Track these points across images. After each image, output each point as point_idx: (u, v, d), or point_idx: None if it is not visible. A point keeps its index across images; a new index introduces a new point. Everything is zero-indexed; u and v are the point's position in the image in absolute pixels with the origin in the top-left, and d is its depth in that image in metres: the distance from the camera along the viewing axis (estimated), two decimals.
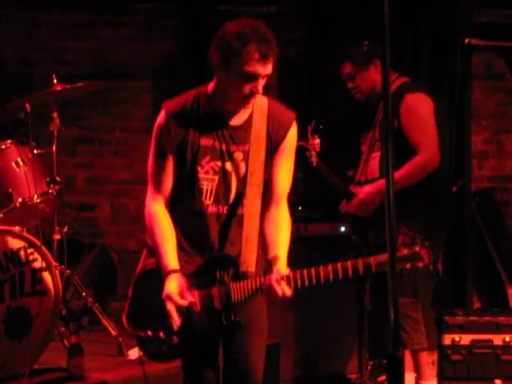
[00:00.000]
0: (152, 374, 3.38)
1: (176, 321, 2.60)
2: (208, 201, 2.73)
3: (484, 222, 5.05)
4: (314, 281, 2.54)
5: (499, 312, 4.55)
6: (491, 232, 5.18)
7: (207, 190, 2.76)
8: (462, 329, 4.13)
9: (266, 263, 2.72)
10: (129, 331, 2.89)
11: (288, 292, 2.52)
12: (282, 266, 2.58)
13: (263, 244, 2.71)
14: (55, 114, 3.89)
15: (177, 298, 2.58)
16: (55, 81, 3.83)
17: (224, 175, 2.72)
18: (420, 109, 3.78)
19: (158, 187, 2.76)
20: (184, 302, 2.61)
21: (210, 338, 2.76)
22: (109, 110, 5.25)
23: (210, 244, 2.70)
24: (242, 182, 2.72)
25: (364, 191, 3.88)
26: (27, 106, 3.86)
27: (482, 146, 5.39)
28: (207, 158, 2.69)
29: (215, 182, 2.76)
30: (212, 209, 2.72)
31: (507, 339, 4.12)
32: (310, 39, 5.32)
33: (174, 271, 2.62)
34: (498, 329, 4.16)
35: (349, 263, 2.46)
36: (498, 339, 4.12)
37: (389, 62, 1.44)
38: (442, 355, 4.05)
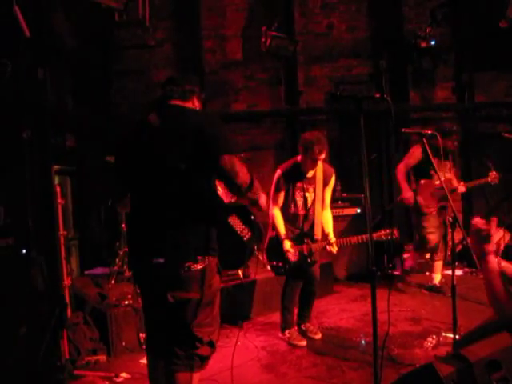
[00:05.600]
0: (269, 278, 4.75)
1: (290, 258, 3.74)
2: (298, 208, 3.91)
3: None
4: (345, 244, 3.83)
5: None
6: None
7: (298, 204, 3.92)
8: None
9: (324, 235, 3.93)
10: (267, 262, 4.08)
11: (335, 249, 3.80)
12: (331, 237, 3.81)
13: (322, 226, 3.80)
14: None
15: (289, 249, 3.74)
16: None
17: (305, 198, 3.86)
18: None
19: (275, 202, 3.93)
20: (292, 251, 3.76)
21: (301, 266, 3.88)
22: (260, 169, 6.81)
23: (300, 226, 3.90)
24: (312, 200, 3.88)
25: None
26: None
27: None
28: (298, 190, 3.88)
29: (301, 202, 3.89)
30: (300, 212, 3.92)
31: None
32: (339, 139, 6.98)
33: (286, 237, 3.79)
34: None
35: (363, 236, 3.66)
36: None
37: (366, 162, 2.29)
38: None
